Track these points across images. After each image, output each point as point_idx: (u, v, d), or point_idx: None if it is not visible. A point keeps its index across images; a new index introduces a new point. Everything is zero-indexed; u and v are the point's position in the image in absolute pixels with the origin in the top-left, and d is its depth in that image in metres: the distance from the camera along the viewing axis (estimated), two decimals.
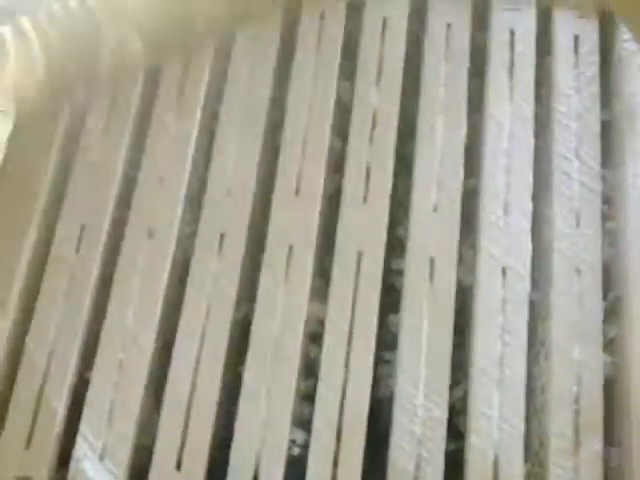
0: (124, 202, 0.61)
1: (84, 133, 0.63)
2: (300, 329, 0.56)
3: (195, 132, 0.62)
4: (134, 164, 0.62)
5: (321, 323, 0.56)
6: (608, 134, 0.60)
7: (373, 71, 0.63)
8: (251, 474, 0.53)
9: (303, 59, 0.64)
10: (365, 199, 0.59)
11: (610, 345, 0.55)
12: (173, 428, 0.54)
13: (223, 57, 0.65)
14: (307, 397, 0.55)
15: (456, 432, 0.54)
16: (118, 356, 0.56)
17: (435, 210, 0.58)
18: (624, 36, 0.61)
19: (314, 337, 0.57)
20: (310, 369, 0.56)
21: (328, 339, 0.55)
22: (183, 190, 0.60)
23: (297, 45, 0.64)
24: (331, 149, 0.61)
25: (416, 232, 0.58)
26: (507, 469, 0.51)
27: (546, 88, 0.62)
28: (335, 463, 0.52)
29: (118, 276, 0.58)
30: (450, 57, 0.63)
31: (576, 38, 0.62)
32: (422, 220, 0.58)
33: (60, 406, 0.55)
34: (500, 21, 0.63)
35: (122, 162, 0.62)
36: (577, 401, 0.53)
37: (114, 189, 0.61)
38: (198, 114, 0.63)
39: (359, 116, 0.61)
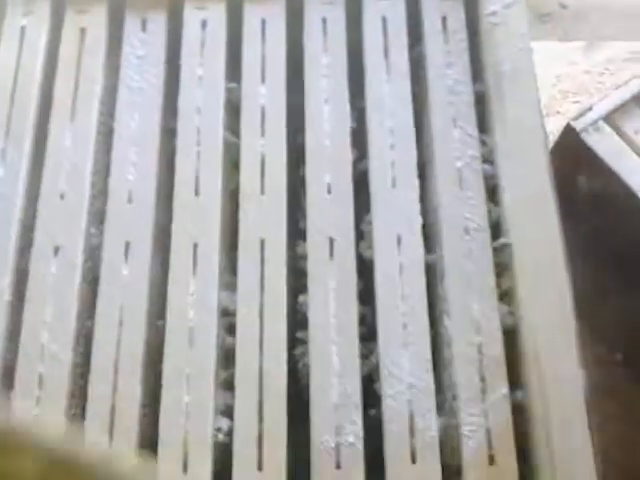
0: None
1: None
2: (213, 321, 0.58)
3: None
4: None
5: (234, 314, 0.58)
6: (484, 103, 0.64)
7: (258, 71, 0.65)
8: (181, 463, 0.54)
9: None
10: (263, 191, 0.62)
11: (505, 296, 0.58)
12: (98, 434, 0.55)
13: None
14: (229, 386, 0.57)
15: (375, 399, 0.56)
16: (38, 371, 0.57)
17: (329, 192, 0.61)
18: (487, 11, 0.65)
19: (230, 328, 0.59)
20: (229, 358, 0.58)
21: (240, 327, 0.57)
22: (86, 203, 0.62)
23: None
24: (226, 148, 0.64)
25: (314, 215, 0.60)
26: (422, 424, 0.54)
27: (421, 68, 0.66)
28: (260, 445, 0.54)
29: (30, 296, 0.59)
30: (329, 49, 0.66)
31: (444, 19, 0.66)
32: (318, 203, 0.61)
33: None
34: (373, 11, 0.67)
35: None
36: (480, 351, 0.56)
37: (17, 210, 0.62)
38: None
39: (249, 114, 0.64)
